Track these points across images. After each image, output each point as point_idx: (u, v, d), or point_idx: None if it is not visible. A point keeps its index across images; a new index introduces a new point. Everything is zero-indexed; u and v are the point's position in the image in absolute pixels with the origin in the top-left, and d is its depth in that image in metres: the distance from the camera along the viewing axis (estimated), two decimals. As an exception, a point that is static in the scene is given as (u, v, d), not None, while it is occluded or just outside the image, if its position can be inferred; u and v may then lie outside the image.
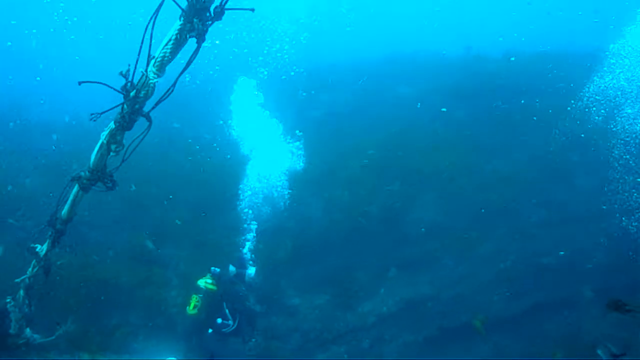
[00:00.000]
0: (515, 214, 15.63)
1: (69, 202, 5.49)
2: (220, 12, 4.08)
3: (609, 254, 15.52)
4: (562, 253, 15.31)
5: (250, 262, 10.57)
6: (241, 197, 13.03)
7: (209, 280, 9.71)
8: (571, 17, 35.51)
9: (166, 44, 4.26)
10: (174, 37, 4.20)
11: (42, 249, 6.64)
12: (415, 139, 17.04)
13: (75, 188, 5.33)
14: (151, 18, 4.16)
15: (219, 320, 9.51)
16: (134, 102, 4.41)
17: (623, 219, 15.73)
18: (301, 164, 13.78)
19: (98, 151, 4.89)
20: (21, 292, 8.05)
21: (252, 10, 4.42)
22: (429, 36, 31.91)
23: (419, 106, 18.82)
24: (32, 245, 6.89)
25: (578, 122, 17.53)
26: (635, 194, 15.87)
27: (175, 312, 12.51)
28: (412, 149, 16.45)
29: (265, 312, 11.67)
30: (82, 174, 5.14)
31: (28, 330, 9.17)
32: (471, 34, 28.25)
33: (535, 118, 17.97)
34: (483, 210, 15.31)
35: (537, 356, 13.78)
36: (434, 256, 14.66)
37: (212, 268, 9.92)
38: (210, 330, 9.53)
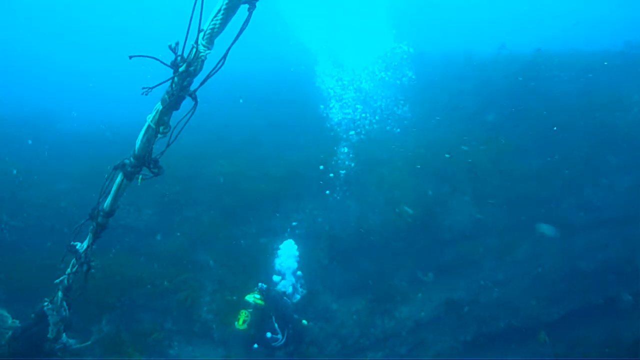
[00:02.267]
0: (551, 216, 15.04)
1: (112, 192, 5.11)
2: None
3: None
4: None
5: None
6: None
7: (257, 296, 9.59)
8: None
9: (215, 15, 3.90)
10: (223, 7, 3.86)
11: (82, 245, 6.30)
12: (448, 141, 16.61)
13: (119, 177, 4.97)
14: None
15: (268, 335, 9.36)
16: (184, 78, 4.05)
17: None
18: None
19: (144, 135, 4.52)
20: (59, 293, 7.73)
21: None
22: (458, 35, 31.13)
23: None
24: (72, 243, 6.54)
25: (614, 122, 17.01)
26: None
27: (210, 318, 12.13)
28: (445, 151, 16.00)
29: (313, 327, 11.54)
30: (127, 161, 4.79)
31: (64, 335, 8.84)
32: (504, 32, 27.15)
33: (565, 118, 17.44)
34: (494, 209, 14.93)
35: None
36: (470, 260, 14.07)
37: (260, 284, 9.86)
38: (255, 346, 9.40)
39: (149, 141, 4.52)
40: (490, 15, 39.59)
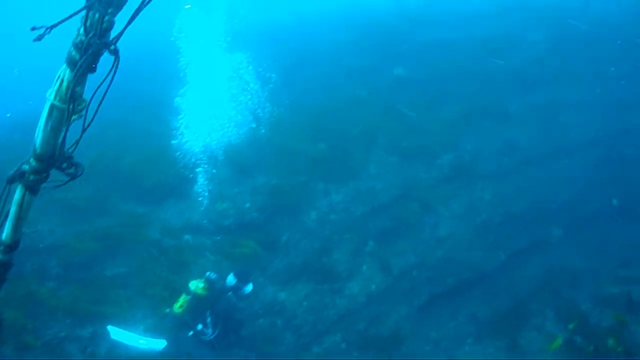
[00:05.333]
0: (477, 166, 14.49)
1: (11, 216, 3.32)
2: None
3: (569, 190, 15.10)
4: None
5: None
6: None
7: (201, 285, 8.93)
8: None
9: None
10: None
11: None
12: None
13: (18, 192, 3.21)
14: None
15: (199, 327, 8.81)
16: (104, 11, 2.37)
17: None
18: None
19: (46, 120, 2.79)
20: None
21: None
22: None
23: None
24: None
25: (515, 64, 16.71)
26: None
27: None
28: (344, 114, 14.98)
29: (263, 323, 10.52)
30: (26, 167, 3.05)
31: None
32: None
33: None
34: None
35: (526, 305, 12.75)
36: (408, 221, 13.12)
37: (208, 273, 9.19)
38: (190, 333, 8.81)
39: (55, 130, 2.78)
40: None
